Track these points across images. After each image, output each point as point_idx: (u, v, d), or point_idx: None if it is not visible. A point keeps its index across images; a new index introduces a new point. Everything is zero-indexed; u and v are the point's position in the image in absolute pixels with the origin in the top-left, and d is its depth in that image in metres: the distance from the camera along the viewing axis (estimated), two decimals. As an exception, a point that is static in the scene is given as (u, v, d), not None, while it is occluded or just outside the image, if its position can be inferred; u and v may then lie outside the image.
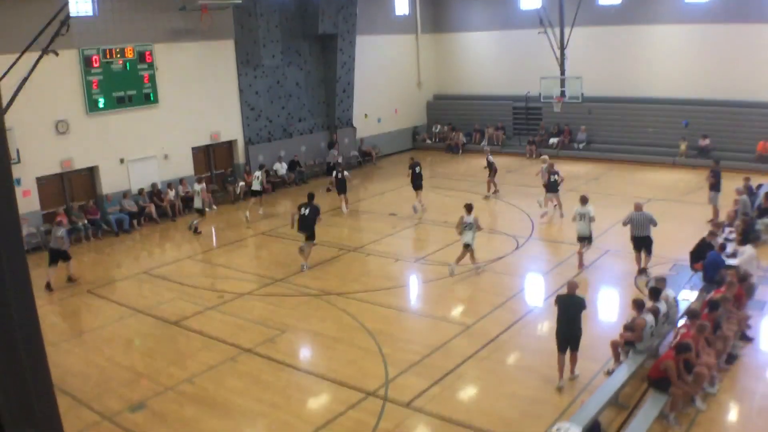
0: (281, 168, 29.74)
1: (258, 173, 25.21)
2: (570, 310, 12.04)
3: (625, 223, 17.22)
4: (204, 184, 23.64)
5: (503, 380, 12.40)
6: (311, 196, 19.73)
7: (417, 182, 24.78)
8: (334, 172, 25.98)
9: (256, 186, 24.97)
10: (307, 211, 18.93)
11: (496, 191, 26.49)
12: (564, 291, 12.84)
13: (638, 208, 17.00)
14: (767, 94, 28.86)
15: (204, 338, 14.74)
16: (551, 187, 22.73)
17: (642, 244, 17.00)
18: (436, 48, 39.44)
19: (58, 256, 18.24)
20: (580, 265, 17.94)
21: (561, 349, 12.08)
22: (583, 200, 17.95)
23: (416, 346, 13.85)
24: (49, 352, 4.09)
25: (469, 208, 17.94)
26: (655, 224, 16.83)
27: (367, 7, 33.78)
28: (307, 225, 18.85)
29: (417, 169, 24.79)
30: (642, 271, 17.04)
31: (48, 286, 17.90)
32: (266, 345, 14.27)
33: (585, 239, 17.88)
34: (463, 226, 17.64)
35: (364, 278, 18.27)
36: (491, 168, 26.36)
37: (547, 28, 28.84)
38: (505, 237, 21.22)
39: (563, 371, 12.10)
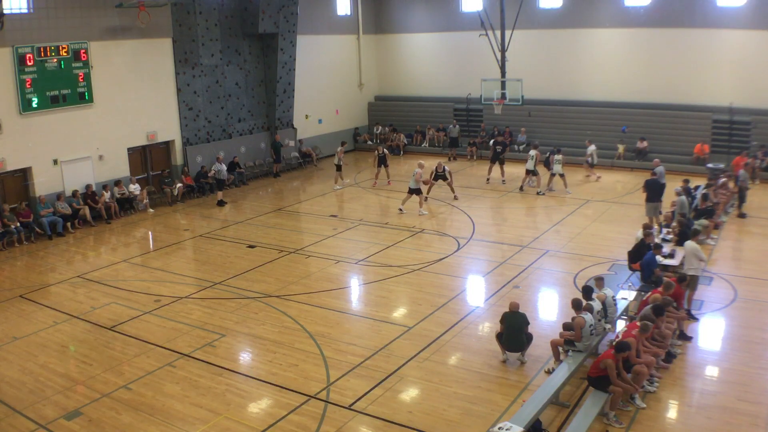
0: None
1: (339, 148, 29.81)
2: (514, 326, 12.77)
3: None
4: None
5: (445, 381, 12.40)
6: None
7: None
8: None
9: (336, 161, 29.46)
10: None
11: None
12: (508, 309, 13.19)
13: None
14: (704, 98, 29.63)
15: (141, 343, 14.39)
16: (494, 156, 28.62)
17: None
18: (377, 49, 39.43)
19: None
20: None
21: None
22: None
23: (358, 348, 13.79)
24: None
25: (557, 151, 26.92)
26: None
27: (309, 6, 33.56)
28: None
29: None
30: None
31: None
32: (205, 349, 14.01)
33: None
34: (555, 163, 26.60)
35: (305, 280, 18.08)
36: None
37: (488, 30, 29.03)
38: (447, 238, 21.31)
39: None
